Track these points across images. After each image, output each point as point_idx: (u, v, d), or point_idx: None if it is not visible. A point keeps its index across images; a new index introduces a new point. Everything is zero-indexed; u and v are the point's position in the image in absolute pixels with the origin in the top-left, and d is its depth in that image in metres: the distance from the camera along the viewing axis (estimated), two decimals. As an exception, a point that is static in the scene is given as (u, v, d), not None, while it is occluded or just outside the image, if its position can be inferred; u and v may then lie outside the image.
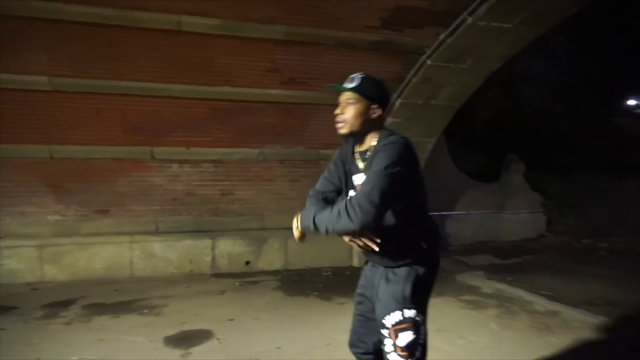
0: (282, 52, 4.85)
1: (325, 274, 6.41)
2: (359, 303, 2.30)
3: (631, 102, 19.71)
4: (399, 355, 1.99)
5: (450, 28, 4.64)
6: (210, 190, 6.21)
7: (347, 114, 1.97)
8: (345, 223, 1.81)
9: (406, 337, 1.98)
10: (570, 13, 4.50)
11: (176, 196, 6.09)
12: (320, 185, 2.26)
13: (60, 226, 5.74)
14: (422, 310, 2.06)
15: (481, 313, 4.72)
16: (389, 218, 1.96)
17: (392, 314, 1.99)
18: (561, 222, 9.06)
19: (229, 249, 6.32)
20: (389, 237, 1.93)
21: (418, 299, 2.03)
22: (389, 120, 6.08)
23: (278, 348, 3.76)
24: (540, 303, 5.00)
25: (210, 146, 5.89)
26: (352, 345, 2.37)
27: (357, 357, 2.37)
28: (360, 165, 2.04)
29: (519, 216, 8.71)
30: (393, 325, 1.99)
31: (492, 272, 6.50)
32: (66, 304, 4.88)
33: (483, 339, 3.98)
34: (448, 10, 4.42)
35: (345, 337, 3.90)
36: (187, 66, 4.88)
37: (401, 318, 1.98)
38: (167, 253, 6.08)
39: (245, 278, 6.08)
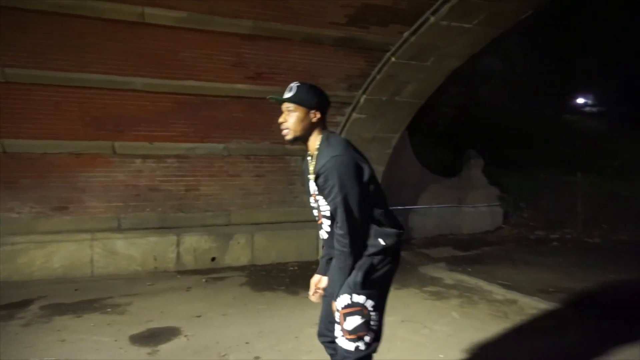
0: (248, 46, 4.83)
1: (292, 268, 6.45)
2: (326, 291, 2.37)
3: (580, 101, 20.81)
4: (346, 339, 2.04)
5: (414, 27, 4.76)
6: (175, 185, 6.11)
7: (289, 122, 2.09)
8: (348, 263, 2.04)
9: (354, 321, 2.03)
10: (526, 15, 4.71)
11: (139, 192, 5.96)
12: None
13: (14, 224, 5.50)
14: (374, 298, 2.08)
15: (444, 303, 4.89)
16: None
17: (342, 296, 2.04)
18: (517, 214, 9.48)
19: (195, 246, 6.25)
20: None
21: (370, 286, 2.06)
22: (354, 116, 6.19)
23: (247, 343, 3.77)
24: (499, 292, 5.24)
25: (175, 141, 5.79)
26: (320, 334, 2.42)
27: (325, 347, 2.41)
28: (311, 168, 2.15)
29: (478, 209, 9.06)
30: (342, 308, 2.04)
31: (453, 263, 6.75)
32: (23, 304, 4.69)
33: (445, 328, 4.14)
34: (411, 9, 4.53)
35: (313, 330, 3.99)
36: (150, 59, 4.77)
37: (349, 302, 2.03)
38: (130, 250, 5.95)
39: (211, 274, 6.03)
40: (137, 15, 4.17)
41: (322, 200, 2.12)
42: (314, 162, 2.10)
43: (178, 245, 6.17)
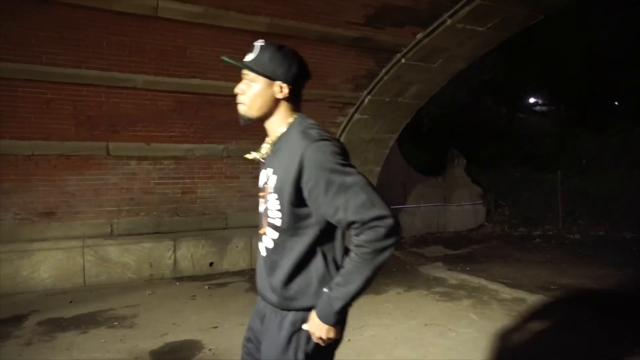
0: (261, 44, 4.63)
1: (292, 271, 6.31)
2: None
3: (531, 100, 21.81)
4: None
5: (430, 28, 4.74)
6: (171, 188, 5.82)
7: (246, 94, 1.53)
8: (384, 257, 1.40)
9: None
10: (535, 21, 4.81)
11: (133, 195, 5.62)
12: None
13: (-4, 232, 5.04)
14: None
15: (457, 304, 4.93)
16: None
17: None
18: (498, 212, 9.76)
19: (192, 251, 5.98)
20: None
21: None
22: (356, 117, 6.12)
23: (277, 354, 3.62)
24: (504, 291, 5.34)
25: (173, 142, 5.50)
26: None
27: None
28: (262, 155, 1.60)
29: (462, 208, 9.25)
30: None
31: (449, 262, 6.85)
32: (16, 320, 4.31)
33: (469, 330, 4.16)
34: (430, 10, 4.50)
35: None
36: (155, 55, 4.48)
37: None
38: (124, 257, 5.60)
39: (211, 280, 5.80)
40: (149, 9, 3.88)
41: (273, 202, 1.50)
42: (276, 153, 1.54)
43: (174, 250, 5.88)
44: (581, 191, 10.23)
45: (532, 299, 5.01)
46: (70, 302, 4.86)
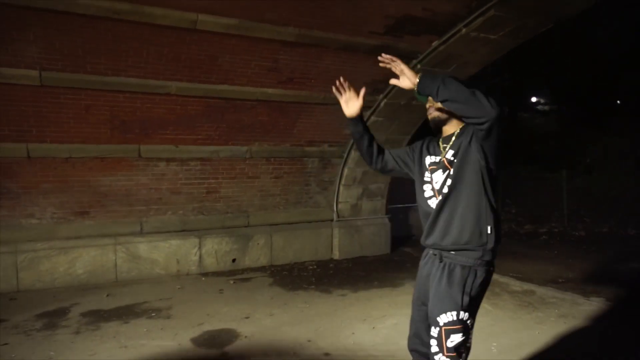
0: (286, 52, 4.93)
1: (311, 267, 6.61)
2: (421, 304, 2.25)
3: (533, 99, 22.03)
4: (445, 356, 2.00)
5: (445, 37, 5.04)
6: (196, 188, 6.12)
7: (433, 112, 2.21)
8: (484, 104, 1.85)
9: (456, 338, 1.99)
10: (544, 29, 5.10)
11: (161, 195, 5.92)
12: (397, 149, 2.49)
13: (35, 230, 5.34)
14: (473, 315, 2.06)
15: (471, 296, 5.21)
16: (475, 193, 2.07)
17: (447, 313, 2.00)
18: (505, 210, 10.05)
19: (216, 248, 6.29)
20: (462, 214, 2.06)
21: (472, 303, 2.03)
22: (372, 119, 6.42)
23: (309, 341, 3.91)
24: (515, 284, 5.63)
25: (200, 144, 5.80)
26: (412, 348, 2.31)
27: (413, 356, 2.30)
28: (442, 145, 2.20)
29: (470, 206, 9.51)
30: (445, 325, 2.00)
31: (460, 258, 7.12)
32: (60, 312, 4.61)
33: (485, 319, 4.43)
34: (446, 20, 4.79)
35: (366, 326, 4.21)
36: (188, 63, 4.78)
37: (454, 319, 2.00)
38: (153, 254, 5.91)
39: (235, 276, 6.10)
40: (189, 22, 4.19)
41: (437, 175, 2.14)
42: (450, 143, 2.14)
43: (200, 247, 6.19)
44: (586, 190, 10.53)
45: (541, 292, 5.30)
46: (107, 295, 5.16)
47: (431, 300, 2.09)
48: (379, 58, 2.16)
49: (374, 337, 3.98)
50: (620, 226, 8.87)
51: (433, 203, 2.17)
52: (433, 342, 2.04)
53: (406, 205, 8.67)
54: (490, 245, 2.04)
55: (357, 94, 2.39)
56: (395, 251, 7.63)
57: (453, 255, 2.08)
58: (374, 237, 7.35)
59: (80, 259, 5.53)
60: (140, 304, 4.91)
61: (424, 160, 2.27)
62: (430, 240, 2.16)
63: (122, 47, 4.36)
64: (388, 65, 2.16)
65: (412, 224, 8.78)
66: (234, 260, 6.43)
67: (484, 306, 4.79)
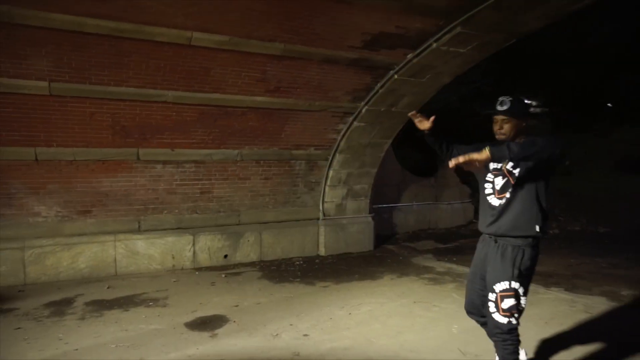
0: (274, 65, 5.40)
1: (298, 263, 7.07)
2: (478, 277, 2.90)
3: (526, 102, 22.59)
4: (500, 314, 2.66)
5: (418, 50, 5.53)
6: (191, 189, 6.56)
7: (505, 129, 2.71)
8: (544, 148, 2.49)
9: (509, 302, 2.63)
10: (509, 43, 5.60)
11: (158, 195, 6.37)
12: (459, 145, 3.08)
13: (41, 227, 5.78)
14: (524, 284, 2.67)
15: (442, 287, 5.70)
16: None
17: (501, 282, 2.63)
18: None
19: (209, 244, 6.74)
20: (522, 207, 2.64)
21: (522, 275, 2.63)
22: (355, 124, 6.91)
23: (291, 325, 4.37)
24: (485, 277, 6.11)
25: (194, 147, 6.26)
26: (469, 312, 3.09)
27: (474, 319, 3.11)
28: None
29: (452, 206, 10.04)
30: (501, 292, 2.63)
31: (438, 254, 7.63)
32: (66, 302, 5.05)
33: (452, 306, 4.93)
34: (418, 36, 5.27)
35: (343, 312, 4.68)
36: (184, 75, 5.24)
37: (508, 287, 2.62)
38: (150, 250, 6.35)
39: (227, 270, 6.55)
40: (185, 39, 4.65)
41: (498, 180, 2.75)
42: None
43: (194, 244, 6.64)
44: (564, 190, 11.04)
45: (508, 283, 5.78)
46: (108, 287, 5.60)
47: (489, 273, 2.73)
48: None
49: (349, 321, 4.46)
50: (592, 224, 9.39)
51: (491, 199, 2.79)
52: (491, 304, 2.69)
53: (391, 205, 9.16)
54: (537, 235, 2.66)
55: (428, 118, 2.95)
56: (378, 248, 8.11)
57: (506, 239, 2.69)
58: (358, 234, 7.83)
59: (82, 255, 5.97)
60: (139, 294, 5.36)
61: (489, 164, 2.78)
62: (490, 230, 2.78)
63: (125, 61, 4.81)
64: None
65: (396, 223, 9.26)
66: (225, 256, 6.88)
67: (452, 295, 5.32)
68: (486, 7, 4.71)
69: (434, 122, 2.94)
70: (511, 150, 2.43)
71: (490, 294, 2.72)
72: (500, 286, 2.65)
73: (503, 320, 2.67)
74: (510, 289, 2.63)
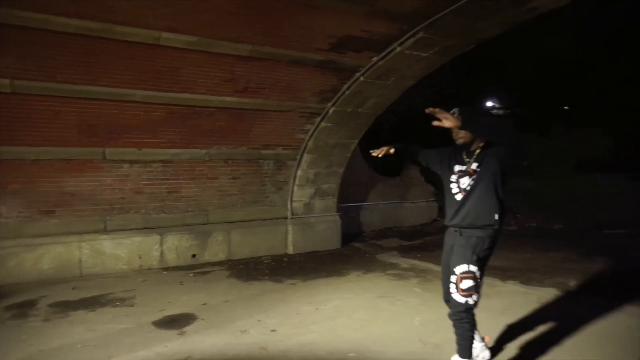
0: (242, 65, 5.47)
1: (266, 261, 7.16)
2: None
3: (489, 103, 23.43)
4: (459, 294, 2.95)
5: (383, 54, 5.72)
6: (158, 188, 6.54)
7: (461, 134, 3.05)
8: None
9: (467, 283, 2.95)
10: (469, 48, 5.87)
11: (125, 195, 6.32)
12: (423, 150, 3.48)
13: (2, 229, 5.64)
14: (480, 269, 3.00)
15: (406, 282, 5.92)
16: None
17: (460, 266, 2.96)
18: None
19: (177, 244, 6.73)
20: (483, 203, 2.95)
21: (479, 260, 2.97)
22: (322, 124, 7.05)
23: (259, 321, 4.47)
24: (447, 272, 6.38)
25: (162, 147, 6.25)
26: (445, 298, 3.24)
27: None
28: (465, 159, 3.09)
29: (417, 205, 10.34)
30: (460, 274, 2.95)
31: (403, 251, 7.87)
32: (29, 304, 4.96)
33: (414, 300, 5.15)
34: (383, 40, 5.46)
35: (309, 308, 4.81)
36: (153, 74, 5.24)
37: (466, 270, 2.95)
38: (116, 250, 6.30)
39: (195, 270, 6.57)
40: (153, 39, 4.66)
41: (464, 180, 3.04)
42: (474, 157, 3.04)
43: (161, 244, 6.62)
44: (523, 189, 11.55)
45: (468, 278, 6.06)
46: (73, 288, 5.53)
47: (452, 258, 3.07)
48: (427, 111, 2.89)
49: (316, 316, 4.59)
50: (548, 221, 9.89)
51: (458, 196, 3.06)
52: (452, 285, 3.00)
53: (358, 204, 9.36)
54: (496, 226, 2.98)
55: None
56: (346, 246, 8.28)
57: (470, 230, 3.00)
58: (325, 233, 7.98)
59: (46, 256, 5.86)
60: (105, 295, 5.32)
61: (453, 167, 3.14)
62: (454, 222, 3.07)
63: (93, 60, 4.78)
64: (436, 114, 2.93)
65: (363, 222, 9.47)
66: (193, 256, 6.89)
67: (415, 290, 5.54)
68: (448, 14, 4.94)
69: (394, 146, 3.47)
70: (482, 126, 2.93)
71: (451, 277, 3.03)
72: (460, 269, 2.97)
73: (461, 299, 2.96)
74: (469, 272, 2.95)
